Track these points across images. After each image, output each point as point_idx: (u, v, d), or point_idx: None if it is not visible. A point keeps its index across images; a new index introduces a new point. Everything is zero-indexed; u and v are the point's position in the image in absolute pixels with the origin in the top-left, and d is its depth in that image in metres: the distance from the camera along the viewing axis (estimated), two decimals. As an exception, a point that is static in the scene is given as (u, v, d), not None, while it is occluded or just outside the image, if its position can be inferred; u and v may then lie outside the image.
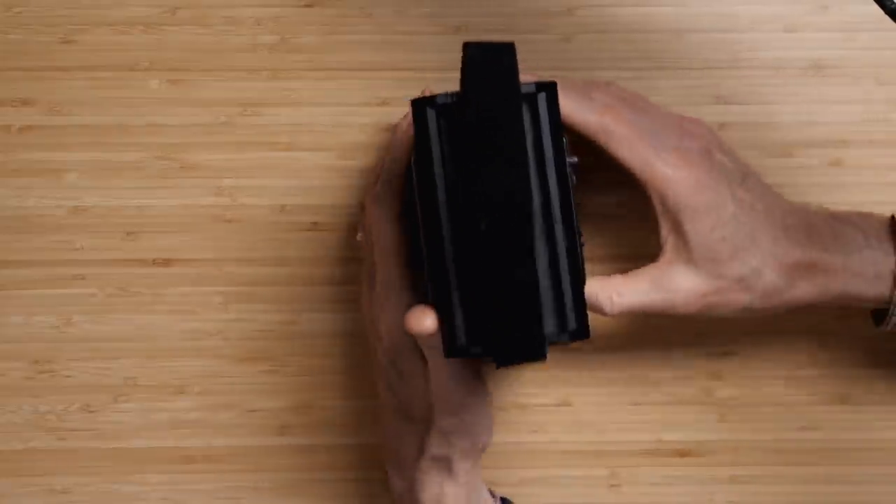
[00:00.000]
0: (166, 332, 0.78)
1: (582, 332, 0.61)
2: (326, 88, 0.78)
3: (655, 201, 0.68)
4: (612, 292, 0.67)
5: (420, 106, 0.62)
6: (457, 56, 0.78)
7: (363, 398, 0.78)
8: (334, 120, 0.78)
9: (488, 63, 0.57)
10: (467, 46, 0.57)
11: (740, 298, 0.68)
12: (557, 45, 0.78)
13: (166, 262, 0.78)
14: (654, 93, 0.77)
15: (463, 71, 0.57)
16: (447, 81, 0.77)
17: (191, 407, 0.78)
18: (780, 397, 0.78)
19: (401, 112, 0.78)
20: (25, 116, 0.77)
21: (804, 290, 0.68)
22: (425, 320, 0.62)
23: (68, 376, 0.78)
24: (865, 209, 0.74)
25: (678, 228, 0.67)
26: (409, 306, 0.67)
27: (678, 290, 0.67)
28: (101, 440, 0.78)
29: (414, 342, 0.68)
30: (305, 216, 0.78)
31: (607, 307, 0.67)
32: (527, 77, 0.69)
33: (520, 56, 0.78)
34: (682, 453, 0.78)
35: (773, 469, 0.78)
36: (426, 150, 0.62)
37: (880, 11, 0.60)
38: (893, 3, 0.60)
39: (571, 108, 0.68)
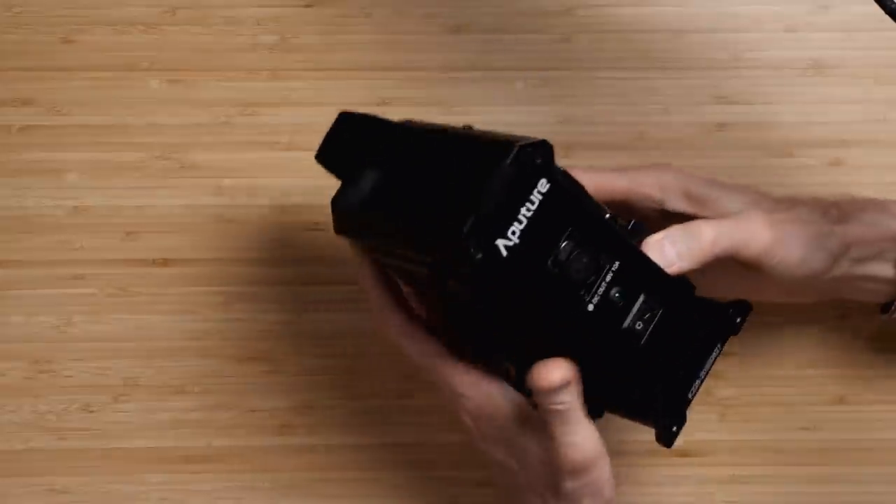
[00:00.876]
0: (166, 332, 0.78)
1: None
2: (326, 88, 0.78)
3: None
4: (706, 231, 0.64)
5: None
6: (457, 56, 0.78)
7: (363, 398, 0.78)
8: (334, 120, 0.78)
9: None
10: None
11: (826, 267, 0.66)
12: (557, 44, 0.78)
13: (166, 262, 0.78)
14: (654, 93, 0.77)
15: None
16: (447, 81, 0.77)
17: (191, 407, 0.78)
18: (780, 397, 0.78)
19: (401, 112, 0.78)
20: (25, 116, 0.77)
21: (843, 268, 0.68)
22: (555, 372, 0.59)
23: (68, 376, 0.78)
24: (865, 209, 0.74)
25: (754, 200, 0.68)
26: (474, 382, 0.64)
27: (752, 224, 0.65)
28: (101, 440, 0.78)
29: (517, 416, 0.63)
30: (305, 216, 0.78)
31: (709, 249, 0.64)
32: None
33: (520, 56, 0.78)
34: (682, 453, 0.78)
35: (773, 469, 0.78)
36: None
37: (880, 11, 0.60)
38: (893, 3, 0.59)
39: (630, 176, 0.68)
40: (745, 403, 0.77)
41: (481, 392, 0.64)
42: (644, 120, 0.78)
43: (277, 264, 0.78)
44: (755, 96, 0.78)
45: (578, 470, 0.62)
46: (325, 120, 0.78)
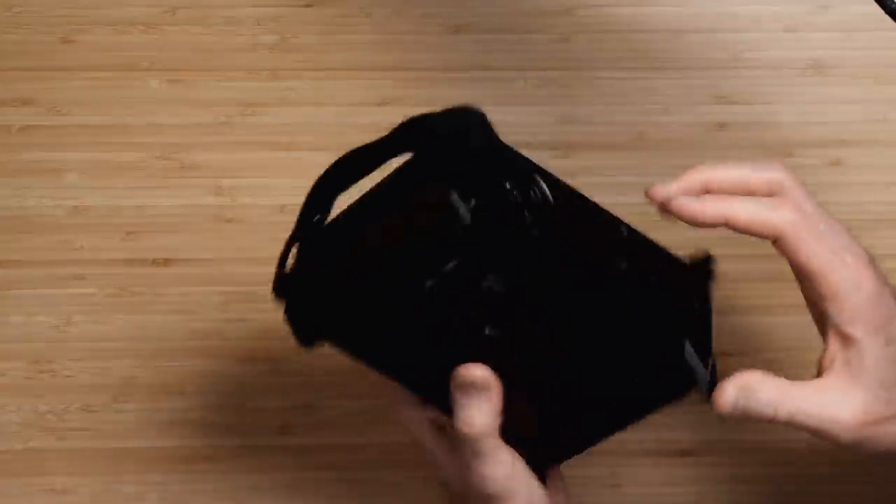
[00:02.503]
0: (166, 332, 0.78)
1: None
2: (326, 88, 0.78)
3: (831, 310, 0.60)
4: (778, 403, 0.60)
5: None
6: (457, 56, 0.78)
7: (363, 398, 0.78)
8: (334, 120, 0.78)
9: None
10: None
11: (885, 436, 0.61)
12: (557, 44, 0.78)
13: (166, 262, 0.78)
14: (654, 93, 0.77)
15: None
16: (447, 81, 0.77)
17: (191, 407, 0.78)
18: (780, 397, 0.78)
19: (401, 112, 0.78)
20: (25, 116, 0.77)
21: None
22: (476, 370, 0.59)
23: (68, 376, 0.78)
24: (865, 209, 0.74)
25: (852, 344, 0.60)
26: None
27: (841, 415, 0.60)
28: (101, 440, 0.78)
29: (438, 437, 0.64)
30: (305, 216, 0.78)
31: (769, 414, 0.60)
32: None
33: (519, 56, 0.78)
34: (682, 453, 0.78)
35: (773, 469, 0.78)
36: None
37: (880, 11, 0.60)
38: (893, 3, 0.60)
39: (747, 212, 0.60)
40: (745, 403, 0.77)
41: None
42: (644, 120, 0.78)
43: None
44: (755, 96, 0.78)
45: (489, 499, 0.62)
46: (325, 120, 0.78)
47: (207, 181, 0.78)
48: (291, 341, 0.78)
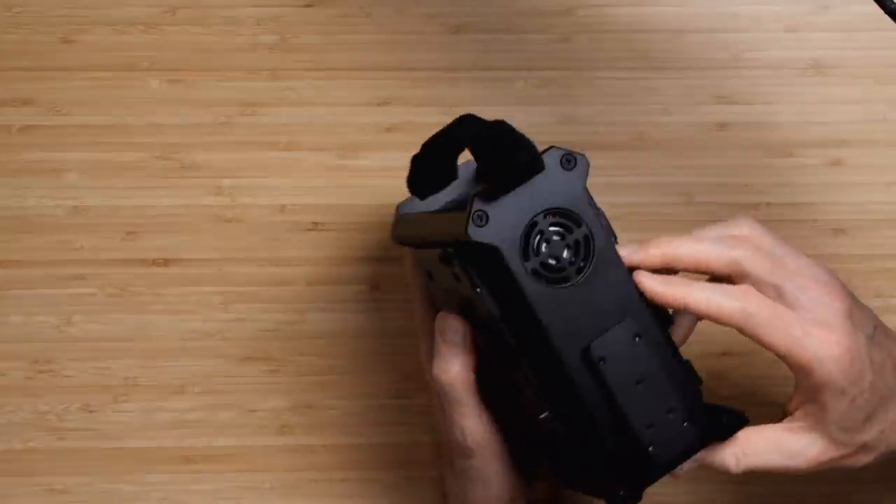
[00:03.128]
0: (166, 332, 0.78)
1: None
2: (326, 88, 0.78)
3: (798, 377, 0.63)
4: (739, 452, 0.64)
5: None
6: (457, 56, 0.78)
7: (363, 398, 0.78)
8: (334, 120, 0.78)
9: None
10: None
11: (861, 460, 0.65)
12: (557, 45, 0.78)
13: (166, 262, 0.78)
14: (654, 93, 0.77)
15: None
16: (447, 81, 0.77)
17: (191, 407, 0.78)
18: (779, 397, 0.78)
19: (401, 111, 0.78)
20: (25, 116, 0.77)
21: None
22: (452, 321, 0.65)
23: (68, 376, 0.78)
24: (865, 209, 0.74)
25: (818, 402, 0.63)
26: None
27: (804, 456, 0.64)
28: (101, 440, 0.78)
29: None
30: (305, 216, 0.78)
31: (732, 467, 0.64)
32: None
33: (519, 56, 0.78)
34: (682, 453, 0.78)
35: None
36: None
37: (880, 11, 0.60)
38: (893, 3, 0.60)
39: (705, 300, 0.62)
40: (745, 403, 0.77)
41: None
42: (644, 120, 0.78)
43: (277, 264, 0.78)
44: (755, 96, 0.78)
45: (464, 451, 0.67)
46: (325, 120, 0.78)
47: (207, 181, 0.78)
48: (291, 341, 0.78)
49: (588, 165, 0.61)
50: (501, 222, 0.60)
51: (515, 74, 0.77)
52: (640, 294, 0.62)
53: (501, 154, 0.59)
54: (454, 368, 0.66)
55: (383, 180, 0.78)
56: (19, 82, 0.77)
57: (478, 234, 0.60)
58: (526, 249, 0.60)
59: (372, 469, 0.78)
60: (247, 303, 0.78)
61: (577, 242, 0.61)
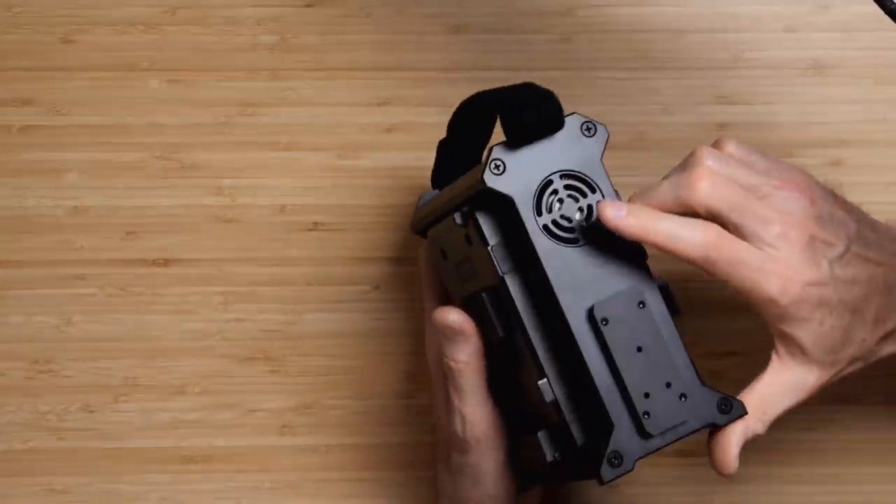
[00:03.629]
0: (166, 332, 0.78)
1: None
2: (326, 88, 0.78)
3: (762, 312, 0.64)
4: (760, 415, 0.65)
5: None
6: (457, 56, 0.78)
7: (364, 398, 0.78)
8: (334, 120, 0.78)
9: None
10: None
11: (853, 369, 0.66)
12: (557, 45, 0.78)
13: (166, 262, 0.78)
14: (654, 93, 0.77)
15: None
16: (447, 81, 0.77)
17: (191, 407, 0.78)
18: (780, 397, 0.78)
19: (400, 111, 0.78)
20: (25, 116, 0.77)
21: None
22: (451, 314, 0.65)
23: (68, 376, 0.78)
24: (865, 209, 0.74)
25: (788, 336, 0.64)
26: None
27: (805, 388, 0.65)
28: (101, 440, 0.78)
29: (444, 378, 0.69)
30: (305, 216, 0.78)
31: (762, 431, 0.66)
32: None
33: (519, 56, 0.78)
34: (683, 453, 0.78)
35: (774, 469, 0.78)
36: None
37: (880, 11, 0.60)
38: (893, 3, 0.60)
39: (668, 235, 0.62)
40: (745, 403, 0.77)
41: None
42: (644, 120, 0.78)
43: (277, 264, 0.78)
44: (755, 96, 0.78)
45: (462, 446, 0.67)
46: (325, 120, 0.78)
47: (207, 181, 0.78)
48: (291, 341, 0.78)
49: (608, 135, 0.63)
50: (518, 174, 0.62)
51: (515, 74, 0.77)
52: (647, 271, 0.63)
53: (527, 105, 0.62)
54: (463, 356, 0.66)
55: (383, 180, 0.78)
56: (19, 82, 0.77)
57: (494, 181, 0.61)
58: (539, 205, 0.62)
59: (372, 469, 0.78)
60: (247, 303, 0.78)
61: (589, 207, 0.63)
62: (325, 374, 0.78)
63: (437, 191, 0.70)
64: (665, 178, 0.64)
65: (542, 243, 0.62)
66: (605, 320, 0.61)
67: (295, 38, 0.78)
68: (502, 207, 0.62)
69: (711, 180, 0.62)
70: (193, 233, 0.78)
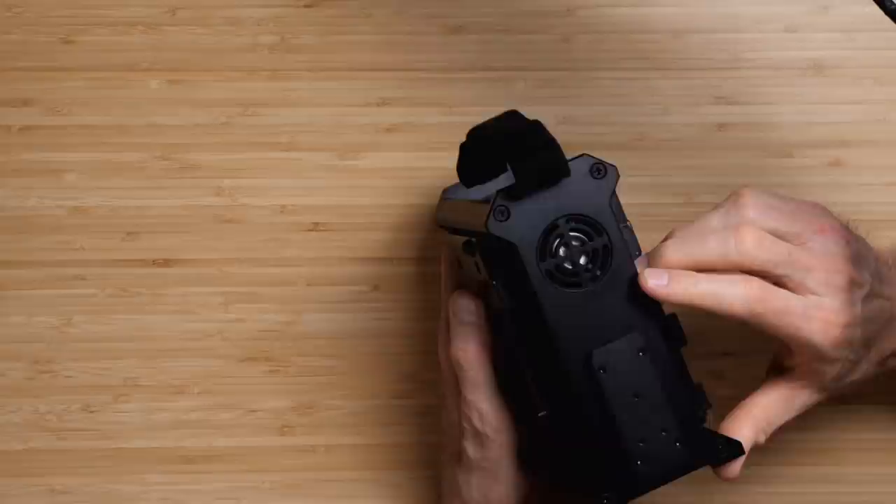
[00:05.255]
0: (166, 332, 0.78)
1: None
2: (326, 88, 0.78)
3: (798, 355, 0.65)
4: (763, 426, 0.66)
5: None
6: (457, 56, 0.78)
7: (363, 398, 0.78)
8: (334, 120, 0.78)
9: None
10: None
11: (847, 391, 0.68)
12: (557, 45, 0.78)
13: (166, 262, 0.78)
14: (654, 93, 0.77)
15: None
16: (447, 81, 0.77)
17: (191, 407, 0.78)
18: (780, 397, 0.78)
19: (400, 111, 0.78)
20: (25, 116, 0.77)
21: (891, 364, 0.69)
22: (462, 298, 0.66)
23: (68, 376, 0.78)
24: (865, 209, 0.74)
25: (815, 371, 0.66)
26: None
27: (806, 407, 0.67)
28: (101, 440, 0.78)
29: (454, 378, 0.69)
30: (305, 216, 0.78)
31: (763, 441, 0.67)
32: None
33: (519, 56, 0.78)
34: (682, 453, 0.78)
35: (773, 469, 0.78)
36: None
37: (880, 12, 0.60)
38: (893, 3, 0.60)
39: (711, 297, 0.62)
40: (745, 403, 0.77)
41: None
42: (644, 120, 0.78)
43: (277, 264, 0.78)
44: (755, 96, 0.78)
45: (480, 440, 0.67)
46: (325, 120, 0.78)
47: (207, 181, 0.78)
48: (291, 341, 0.78)
49: (617, 176, 0.62)
50: (522, 220, 0.61)
51: (516, 75, 0.77)
52: (653, 310, 0.62)
53: (528, 154, 0.61)
54: (472, 346, 0.66)
55: (383, 180, 0.78)
56: (19, 82, 0.77)
57: (497, 228, 0.61)
58: (543, 250, 0.61)
59: (372, 469, 0.78)
60: (247, 303, 0.78)
61: (595, 251, 0.62)
62: (325, 374, 0.78)
63: (461, 185, 0.70)
64: (701, 226, 0.64)
65: (542, 288, 0.61)
66: (603, 368, 0.61)
67: (295, 38, 0.78)
68: (506, 249, 0.62)
69: (758, 237, 0.63)
70: (193, 233, 0.78)
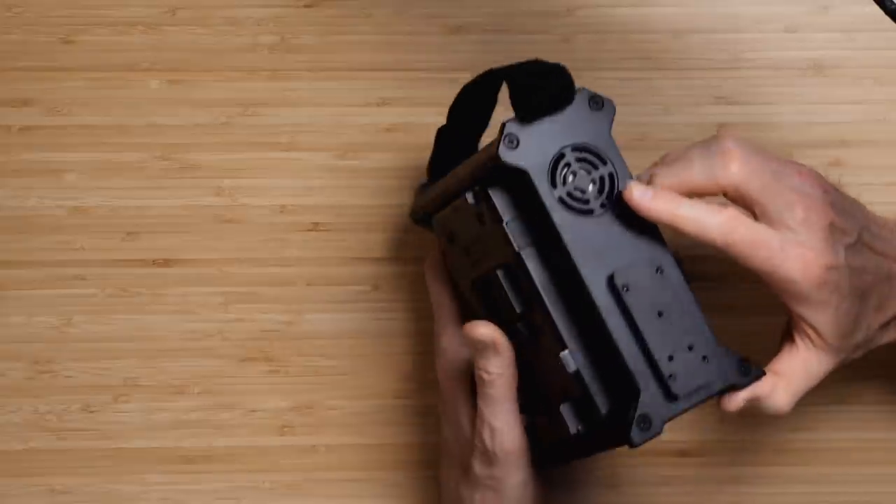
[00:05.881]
0: (166, 332, 0.78)
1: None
2: (326, 88, 0.78)
3: (782, 297, 0.65)
4: (786, 388, 0.66)
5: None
6: (457, 56, 0.78)
7: (363, 398, 0.78)
8: (334, 120, 0.78)
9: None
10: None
11: (855, 356, 0.68)
12: (557, 45, 0.78)
13: (166, 262, 0.78)
14: (654, 93, 0.78)
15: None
16: (447, 81, 0.77)
17: (191, 407, 0.78)
18: (780, 397, 0.78)
19: (400, 111, 0.78)
20: (25, 116, 0.77)
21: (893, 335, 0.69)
22: (481, 328, 0.65)
23: (68, 376, 0.78)
24: (865, 209, 0.74)
25: (806, 320, 0.65)
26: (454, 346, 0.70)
27: (819, 373, 0.67)
28: (101, 440, 0.78)
29: (461, 383, 0.69)
30: (305, 216, 0.78)
31: (786, 407, 0.66)
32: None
33: (519, 56, 0.78)
34: (682, 453, 0.78)
35: (773, 469, 0.78)
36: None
37: (880, 12, 0.60)
38: (893, 3, 0.60)
39: (691, 219, 0.63)
40: (745, 403, 0.78)
41: (456, 353, 0.70)
42: (644, 120, 0.78)
43: (277, 264, 0.78)
44: (755, 96, 0.78)
45: (489, 457, 0.67)
46: (325, 120, 0.78)
47: (207, 181, 0.78)
48: (291, 341, 0.78)
49: (614, 109, 0.65)
50: (531, 148, 0.63)
51: (515, 74, 0.77)
52: (659, 239, 0.64)
53: (539, 79, 0.63)
54: (495, 368, 0.66)
55: (383, 180, 0.78)
56: (19, 82, 0.77)
57: (509, 156, 0.62)
58: (553, 178, 0.63)
59: (372, 469, 0.78)
60: (247, 303, 0.78)
61: (601, 178, 0.64)
62: (325, 374, 0.78)
63: (432, 181, 0.70)
64: (687, 152, 0.65)
65: (559, 215, 0.62)
66: (626, 287, 0.62)
67: (295, 38, 0.78)
68: (516, 182, 0.63)
69: (743, 161, 0.64)
70: (193, 233, 0.78)
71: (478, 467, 0.68)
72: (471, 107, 0.70)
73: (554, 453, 0.68)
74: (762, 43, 0.78)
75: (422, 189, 0.73)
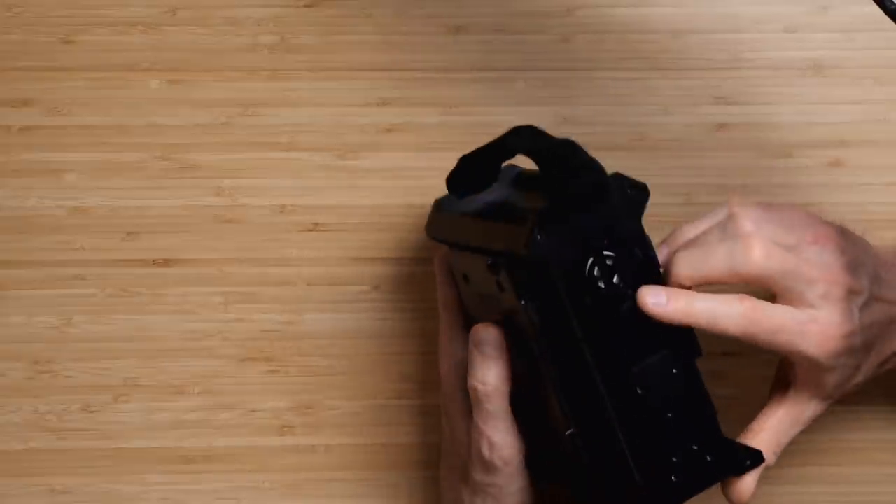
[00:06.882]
0: (166, 332, 0.78)
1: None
2: (326, 88, 0.78)
3: (797, 366, 0.66)
4: (775, 447, 0.67)
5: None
6: (457, 56, 0.78)
7: (363, 398, 0.78)
8: (334, 120, 0.78)
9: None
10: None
11: (848, 394, 0.69)
12: (557, 45, 0.78)
13: (166, 262, 0.78)
14: (654, 93, 0.77)
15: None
16: (447, 81, 0.77)
17: (191, 407, 0.78)
18: (779, 397, 0.78)
19: (400, 111, 0.78)
20: (25, 116, 0.77)
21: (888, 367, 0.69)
22: (485, 330, 0.65)
23: (68, 376, 0.78)
24: (865, 209, 0.74)
25: (815, 381, 0.66)
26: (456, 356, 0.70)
27: (811, 418, 0.68)
28: (101, 440, 0.78)
29: (463, 382, 0.68)
30: (305, 216, 0.78)
31: (772, 461, 0.67)
32: None
33: (520, 56, 0.78)
34: (682, 453, 0.78)
35: (773, 469, 0.78)
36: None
37: (880, 12, 0.60)
38: (893, 3, 0.60)
39: (707, 316, 0.62)
40: (745, 403, 0.77)
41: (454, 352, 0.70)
42: (644, 120, 0.78)
43: (277, 264, 0.78)
44: (755, 97, 0.78)
45: (488, 467, 0.67)
46: (325, 120, 0.78)
47: (207, 181, 0.78)
48: (291, 341, 0.78)
49: (648, 195, 0.62)
50: (559, 242, 0.60)
51: (516, 75, 0.77)
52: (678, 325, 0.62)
53: (568, 175, 0.60)
54: (492, 380, 0.65)
55: (383, 180, 0.78)
56: (19, 82, 0.77)
57: (536, 250, 0.60)
58: (580, 271, 0.61)
59: (371, 469, 0.78)
60: (247, 303, 0.78)
61: (630, 271, 0.61)
62: (325, 374, 0.78)
63: (452, 197, 0.69)
64: (705, 237, 0.64)
65: (579, 310, 0.61)
66: (639, 386, 0.61)
67: (295, 38, 0.78)
68: (540, 269, 0.61)
69: (764, 248, 0.62)
70: (193, 233, 0.78)
71: (477, 475, 0.68)
72: (491, 156, 0.67)
73: (550, 471, 0.68)
74: (761, 43, 0.78)
75: (439, 206, 0.71)
